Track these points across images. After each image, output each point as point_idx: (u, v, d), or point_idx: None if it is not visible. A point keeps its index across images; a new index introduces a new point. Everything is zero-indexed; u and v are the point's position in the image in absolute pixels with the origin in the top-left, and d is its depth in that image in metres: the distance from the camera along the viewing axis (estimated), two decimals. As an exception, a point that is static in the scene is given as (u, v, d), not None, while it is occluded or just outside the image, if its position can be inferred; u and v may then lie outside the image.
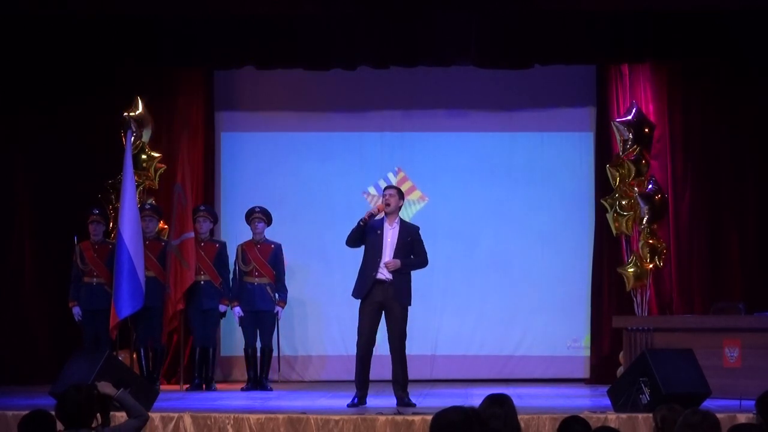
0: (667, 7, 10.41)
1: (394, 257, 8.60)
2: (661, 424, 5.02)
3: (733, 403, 7.96)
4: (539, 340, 11.59)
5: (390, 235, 8.66)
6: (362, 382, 8.61)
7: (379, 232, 8.66)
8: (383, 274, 8.58)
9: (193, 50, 10.83)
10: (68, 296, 10.53)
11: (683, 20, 10.52)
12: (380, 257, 8.59)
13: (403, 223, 8.81)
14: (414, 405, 8.40)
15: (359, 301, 8.73)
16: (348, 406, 8.43)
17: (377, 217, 8.74)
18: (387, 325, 8.64)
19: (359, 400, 8.54)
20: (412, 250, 8.71)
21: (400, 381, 8.57)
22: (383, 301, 8.59)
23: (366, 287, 8.60)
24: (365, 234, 8.67)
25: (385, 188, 8.95)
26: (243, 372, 10.95)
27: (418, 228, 8.92)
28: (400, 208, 8.81)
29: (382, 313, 8.63)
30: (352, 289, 8.79)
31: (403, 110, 11.79)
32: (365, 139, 11.82)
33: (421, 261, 8.82)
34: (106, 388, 5.30)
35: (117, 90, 11.18)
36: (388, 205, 8.68)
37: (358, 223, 8.66)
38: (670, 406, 5.05)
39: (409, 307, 8.70)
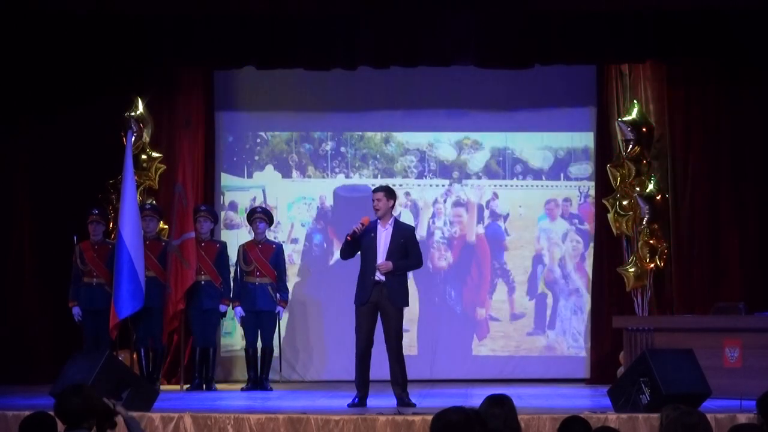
0: (667, 6, 10.41)
1: (387, 259, 8.54)
2: (665, 421, 5.02)
3: (734, 404, 7.94)
4: (539, 340, 11.59)
5: (383, 237, 8.60)
6: (362, 382, 8.58)
7: (373, 235, 8.60)
8: (379, 276, 8.54)
9: (193, 50, 10.83)
10: (68, 296, 10.52)
11: (683, 20, 10.51)
12: (376, 260, 8.55)
13: (397, 223, 8.73)
14: (414, 405, 8.39)
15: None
16: (348, 406, 8.42)
17: (371, 219, 8.68)
18: (383, 327, 8.59)
19: (360, 401, 8.51)
20: (406, 251, 8.64)
21: (399, 381, 8.55)
22: (378, 302, 8.54)
23: (367, 292, 8.56)
24: (360, 240, 8.62)
25: (373, 191, 8.81)
26: (243, 372, 10.95)
27: (413, 228, 8.90)
28: (392, 208, 8.72)
29: (378, 314, 8.61)
30: (354, 289, 8.72)
31: (403, 110, 11.79)
32: (365, 139, 11.82)
33: (415, 262, 8.74)
34: (118, 406, 5.29)
35: (117, 90, 11.18)
36: (377, 210, 8.61)
37: (346, 238, 8.63)
38: (675, 406, 5.05)
39: (406, 308, 8.67)
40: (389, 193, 8.71)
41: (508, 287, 11.65)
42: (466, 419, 4.33)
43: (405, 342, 10.79)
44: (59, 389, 7.67)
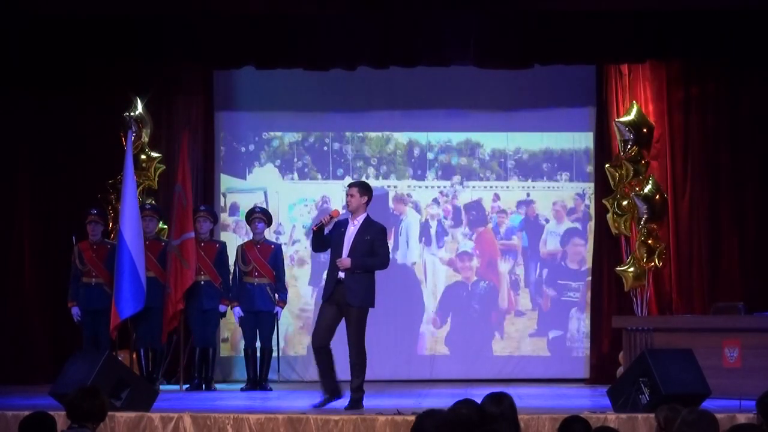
0: (667, 6, 10.41)
1: (348, 255, 8.34)
2: (663, 423, 5.03)
3: (733, 404, 7.94)
4: (539, 340, 11.59)
5: (349, 234, 8.41)
6: (322, 378, 8.41)
7: (342, 230, 8.41)
8: (342, 274, 8.34)
9: (193, 50, 10.83)
10: (67, 296, 10.52)
11: (683, 20, 10.52)
12: (340, 257, 8.37)
13: (366, 220, 8.48)
14: (362, 408, 8.20)
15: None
16: (313, 406, 8.21)
17: (340, 218, 8.53)
18: (346, 327, 8.37)
19: (326, 400, 8.33)
20: (372, 249, 8.40)
21: (353, 384, 8.33)
22: (339, 301, 8.35)
23: (330, 289, 8.37)
24: (331, 234, 8.43)
25: (348, 186, 8.65)
26: (243, 372, 10.95)
27: (382, 228, 8.56)
28: (365, 204, 8.48)
29: (338, 313, 8.38)
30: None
31: (403, 110, 11.78)
32: (365, 139, 11.82)
33: (379, 262, 8.44)
34: None
35: (117, 90, 11.18)
36: (349, 205, 8.42)
37: (311, 228, 8.47)
38: (672, 406, 5.06)
39: (371, 309, 8.37)
40: (363, 189, 8.51)
41: (507, 287, 11.64)
42: (468, 419, 4.33)
43: (409, 341, 10.85)
44: (59, 389, 7.69)
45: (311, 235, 8.57)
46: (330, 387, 8.39)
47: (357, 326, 8.32)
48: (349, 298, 8.30)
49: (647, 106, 11.23)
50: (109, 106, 11.12)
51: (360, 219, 8.46)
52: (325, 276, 8.66)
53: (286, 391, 10.43)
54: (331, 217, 8.49)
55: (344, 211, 8.70)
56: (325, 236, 8.48)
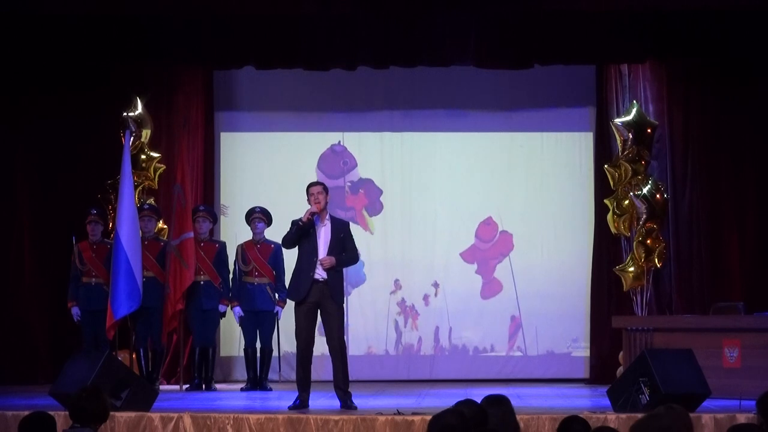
0: (667, 6, 10.42)
1: (328, 254, 8.37)
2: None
3: (733, 403, 7.95)
4: (539, 340, 11.59)
5: (323, 233, 8.42)
6: (304, 383, 8.43)
7: (311, 231, 8.42)
8: (320, 273, 8.38)
9: (193, 50, 10.84)
10: (67, 296, 10.52)
11: (683, 20, 10.54)
12: (316, 256, 8.37)
13: (333, 219, 8.59)
14: (356, 408, 8.21)
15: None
16: (289, 408, 8.21)
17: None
18: (324, 326, 8.45)
19: (301, 403, 8.34)
20: (344, 246, 8.50)
21: (341, 385, 8.39)
22: (319, 300, 8.37)
23: (305, 288, 8.36)
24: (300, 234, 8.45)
25: (312, 186, 8.54)
26: (243, 372, 10.95)
27: (348, 224, 8.80)
28: (327, 203, 8.56)
29: (317, 312, 8.46)
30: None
31: (403, 110, 11.79)
32: (365, 139, 11.82)
33: (353, 257, 8.65)
34: None
35: (117, 90, 11.18)
36: (319, 203, 8.40)
37: (298, 224, 8.37)
38: (668, 406, 5.05)
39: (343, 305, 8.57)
40: (326, 188, 8.56)
41: (508, 286, 11.63)
42: (463, 422, 4.32)
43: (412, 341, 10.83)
44: (59, 389, 7.70)
45: (297, 228, 8.39)
46: (308, 393, 8.46)
47: (340, 322, 8.47)
48: (334, 296, 8.42)
49: (647, 106, 11.24)
50: (109, 106, 11.12)
51: (327, 218, 8.52)
52: (290, 278, 8.66)
53: (286, 391, 10.41)
54: (318, 210, 8.44)
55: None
56: (301, 234, 8.44)
